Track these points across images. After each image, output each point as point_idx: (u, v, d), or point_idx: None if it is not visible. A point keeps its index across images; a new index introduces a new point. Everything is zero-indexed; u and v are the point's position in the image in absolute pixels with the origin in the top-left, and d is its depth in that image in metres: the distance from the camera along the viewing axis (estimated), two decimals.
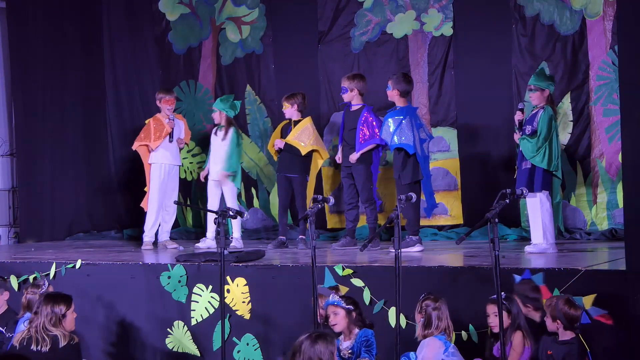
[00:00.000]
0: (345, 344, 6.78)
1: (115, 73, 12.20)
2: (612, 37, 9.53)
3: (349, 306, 6.75)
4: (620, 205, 9.28)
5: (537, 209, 8.24)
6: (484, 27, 10.17)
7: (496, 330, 6.30)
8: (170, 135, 10.03)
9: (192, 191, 11.53)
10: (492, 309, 6.33)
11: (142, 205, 10.27)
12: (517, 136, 8.40)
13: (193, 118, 11.59)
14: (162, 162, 10.07)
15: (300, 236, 9.65)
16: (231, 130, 9.96)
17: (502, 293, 6.31)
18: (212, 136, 10.04)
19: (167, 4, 11.84)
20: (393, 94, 8.90)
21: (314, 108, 10.83)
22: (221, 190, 9.96)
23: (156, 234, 10.22)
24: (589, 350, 6.15)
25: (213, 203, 9.95)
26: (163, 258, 8.96)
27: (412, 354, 6.41)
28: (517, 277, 6.86)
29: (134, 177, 11.40)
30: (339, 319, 6.74)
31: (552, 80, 8.49)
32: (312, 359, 5.14)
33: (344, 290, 7.21)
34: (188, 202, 11.51)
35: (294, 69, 11.10)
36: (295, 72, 11.07)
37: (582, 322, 6.21)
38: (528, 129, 8.30)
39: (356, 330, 6.76)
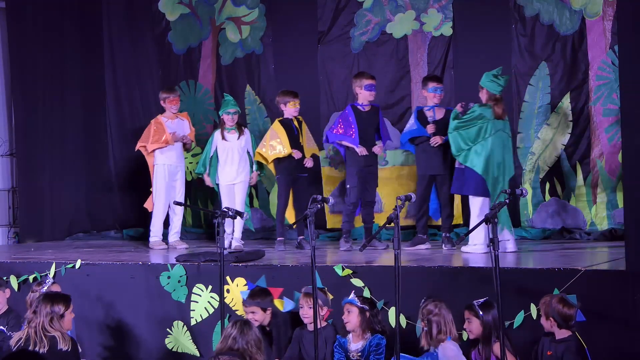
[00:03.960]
0: (355, 346, 6.78)
1: (115, 73, 12.19)
2: (611, 37, 9.53)
3: (363, 305, 6.76)
4: (620, 205, 9.28)
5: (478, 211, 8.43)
6: (483, 27, 10.17)
7: (471, 336, 6.32)
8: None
9: (192, 191, 11.52)
10: (467, 315, 6.35)
11: (145, 205, 10.30)
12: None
13: (193, 118, 11.54)
14: (165, 162, 10.09)
15: (299, 237, 9.65)
16: (247, 131, 10.02)
17: (480, 300, 6.32)
18: (222, 140, 9.86)
19: (167, 4, 11.83)
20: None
21: (314, 108, 10.83)
22: (234, 192, 9.95)
23: (165, 235, 10.25)
24: (586, 347, 6.15)
25: (231, 206, 9.83)
26: (163, 258, 8.96)
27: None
28: (244, 293, 7.26)
29: (134, 177, 11.41)
30: (351, 317, 6.77)
31: (499, 80, 8.49)
32: (255, 341, 5.87)
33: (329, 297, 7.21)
34: (188, 202, 11.49)
35: (293, 69, 11.09)
36: (295, 72, 11.06)
37: (578, 319, 6.20)
38: None
39: (368, 334, 6.75)
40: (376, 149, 9.38)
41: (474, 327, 6.32)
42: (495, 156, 8.40)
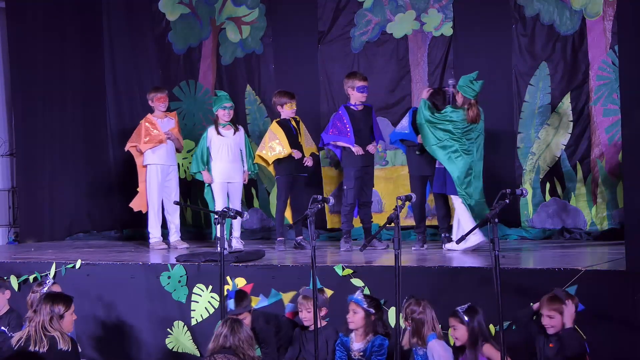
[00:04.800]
0: (357, 345, 6.77)
1: (115, 73, 12.20)
2: (612, 37, 9.54)
3: (370, 309, 6.72)
4: (620, 205, 9.28)
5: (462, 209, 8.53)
6: (484, 27, 10.17)
7: (458, 343, 6.32)
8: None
9: (191, 191, 11.52)
10: (452, 322, 6.33)
11: (131, 205, 10.27)
12: None
13: (193, 118, 11.59)
14: (157, 162, 10.07)
15: (297, 237, 9.64)
16: (242, 129, 10.00)
17: (464, 305, 6.30)
18: (217, 136, 9.85)
19: (167, 4, 11.83)
20: None
21: (314, 108, 10.83)
22: (227, 190, 9.91)
23: (165, 235, 10.25)
24: (585, 339, 6.16)
25: (224, 204, 9.71)
26: (163, 258, 8.96)
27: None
28: (229, 302, 7.10)
29: (134, 177, 11.36)
30: (356, 318, 6.74)
31: (473, 85, 8.55)
32: (247, 338, 6.00)
33: (329, 292, 7.19)
34: (188, 202, 11.49)
35: (294, 69, 11.09)
36: (295, 72, 11.06)
37: (579, 309, 6.21)
38: None
39: (371, 335, 6.73)
40: (370, 147, 9.37)
41: (459, 333, 6.28)
42: (463, 157, 8.52)
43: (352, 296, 6.82)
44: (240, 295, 7.17)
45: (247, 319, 7.05)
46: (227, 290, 7.45)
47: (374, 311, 6.75)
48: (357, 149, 9.24)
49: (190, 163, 11.33)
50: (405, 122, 9.22)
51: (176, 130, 10.26)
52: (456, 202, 8.62)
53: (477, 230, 8.04)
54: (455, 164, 8.51)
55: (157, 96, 10.16)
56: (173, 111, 10.57)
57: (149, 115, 10.21)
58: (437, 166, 8.76)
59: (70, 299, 6.67)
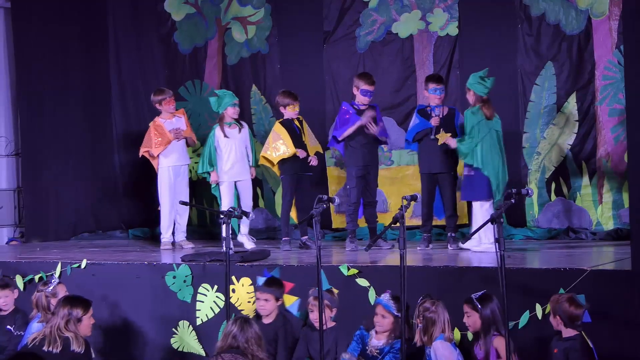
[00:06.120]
0: (375, 342, 6.73)
1: (120, 73, 12.20)
2: (618, 36, 9.52)
3: (398, 313, 6.63)
4: (626, 204, 9.27)
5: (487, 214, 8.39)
6: (489, 27, 10.16)
7: (471, 330, 6.33)
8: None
9: (197, 191, 11.52)
10: (465, 309, 6.35)
11: (159, 209, 10.28)
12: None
13: (199, 118, 11.59)
14: (169, 164, 10.06)
15: (302, 237, 9.63)
16: (245, 124, 9.99)
17: (479, 293, 6.31)
18: (222, 136, 9.77)
19: (172, 4, 11.84)
20: None
21: (319, 108, 10.83)
22: (235, 189, 9.90)
23: (172, 234, 10.25)
24: (593, 347, 6.14)
25: (230, 204, 9.67)
26: (168, 258, 8.97)
27: None
28: (260, 279, 7.26)
29: (139, 177, 11.42)
30: (385, 323, 6.70)
31: (485, 82, 8.61)
32: (255, 338, 5.99)
33: (334, 291, 7.18)
34: (193, 202, 11.49)
35: (299, 69, 11.09)
36: (300, 72, 11.06)
37: (584, 320, 6.19)
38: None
39: (394, 338, 6.67)
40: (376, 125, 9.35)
41: (472, 320, 6.32)
42: (493, 155, 8.53)
43: (381, 300, 6.76)
44: (273, 280, 7.26)
45: (270, 302, 7.09)
46: (265, 270, 7.57)
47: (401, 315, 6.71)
48: (368, 115, 9.18)
49: (196, 163, 11.37)
50: (414, 119, 9.19)
51: (188, 128, 10.27)
52: (481, 207, 8.54)
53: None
54: (488, 167, 8.50)
55: (165, 99, 10.14)
56: (180, 109, 10.54)
57: (156, 119, 10.18)
58: (465, 173, 8.69)
59: (88, 303, 6.73)
